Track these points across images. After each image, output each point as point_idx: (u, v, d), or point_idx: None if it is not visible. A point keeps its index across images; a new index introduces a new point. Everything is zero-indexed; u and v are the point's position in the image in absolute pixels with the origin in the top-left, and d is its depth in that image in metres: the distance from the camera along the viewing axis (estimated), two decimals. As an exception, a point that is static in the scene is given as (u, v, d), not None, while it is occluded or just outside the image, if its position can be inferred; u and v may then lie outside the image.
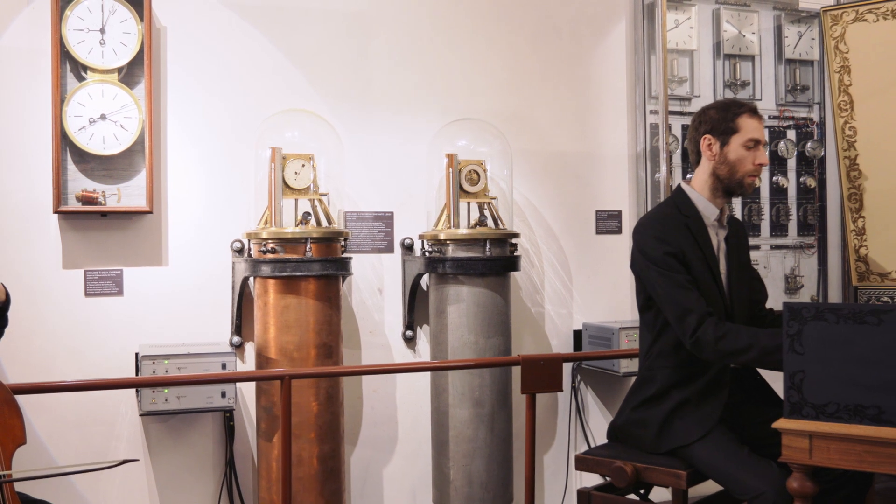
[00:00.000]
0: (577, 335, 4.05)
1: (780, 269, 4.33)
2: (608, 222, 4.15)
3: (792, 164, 4.35)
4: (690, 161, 2.75)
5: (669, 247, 2.51)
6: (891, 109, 3.82)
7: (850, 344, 2.04)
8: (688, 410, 2.53)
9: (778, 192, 4.32)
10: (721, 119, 2.61)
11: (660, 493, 3.05)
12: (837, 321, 2.06)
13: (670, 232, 2.55)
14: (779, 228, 4.32)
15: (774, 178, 4.31)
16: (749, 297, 2.73)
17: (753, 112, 2.62)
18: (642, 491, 2.69)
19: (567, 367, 4.00)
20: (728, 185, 2.63)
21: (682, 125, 4.08)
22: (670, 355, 2.57)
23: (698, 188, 2.65)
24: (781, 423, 2.12)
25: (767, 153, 4.29)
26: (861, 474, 2.41)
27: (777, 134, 4.33)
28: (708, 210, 2.64)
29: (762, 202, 4.29)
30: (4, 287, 2.41)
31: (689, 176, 2.74)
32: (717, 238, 2.66)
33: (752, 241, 4.21)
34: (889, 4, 3.77)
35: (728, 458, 2.41)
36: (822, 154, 4.30)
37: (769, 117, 4.31)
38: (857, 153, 3.92)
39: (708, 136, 2.63)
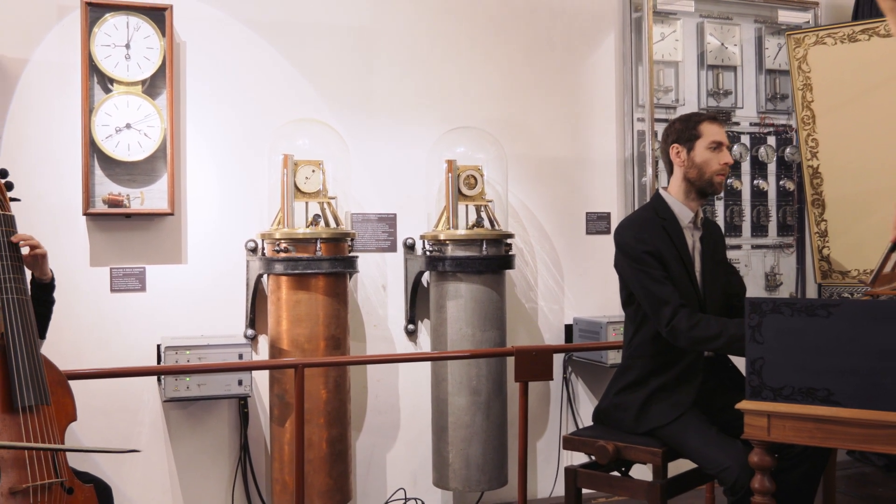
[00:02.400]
0: (569, 329, 4.27)
1: (760, 267, 4.54)
2: (598, 223, 4.37)
3: (772, 168, 4.55)
4: (666, 171, 2.97)
5: (647, 246, 2.73)
6: (847, 124, 4.06)
7: (803, 334, 2.25)
8: (664, 395, 2.75)
9: (758, 195, 4.53)
10: (684, 128, 2.84)
11: (641, 472, 3.27)
12: (792, 314, 2.28)
13: (648, 233, 2.77)
14: (759, 229, 4.53)
15: (755, 182, 4.51)
16: (723, 291, 2.94)
17: (713, 119, 2.86)
18: (623, 468, 2.93)
19: (559, 359, 4.22)
20: (700, 186, 2.84)
21: (668, 132, 4.29)
22: (649, 346, 2.79)
23: (674, 193, 2.87)
24: (743, 405, 2.34)
25: (745, 156, 4.50)
26: (817, 454, 2.64)
27: (758, 140, 4.54)
28: (683, 213, 2.85)
29: (743, 204, 4.50)
30: (51, 270, 2.67)
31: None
32: (692, 239, 2.88)
33: (733, 242, 4.44)
34: (846, 30, 4.01)
35: (698, 437, 2.63)
36: (801, 159, 4.50)
37: (750, 124, 4.54)
38: (818, 163, 4.14)
39: (675, 144, 2.85)
